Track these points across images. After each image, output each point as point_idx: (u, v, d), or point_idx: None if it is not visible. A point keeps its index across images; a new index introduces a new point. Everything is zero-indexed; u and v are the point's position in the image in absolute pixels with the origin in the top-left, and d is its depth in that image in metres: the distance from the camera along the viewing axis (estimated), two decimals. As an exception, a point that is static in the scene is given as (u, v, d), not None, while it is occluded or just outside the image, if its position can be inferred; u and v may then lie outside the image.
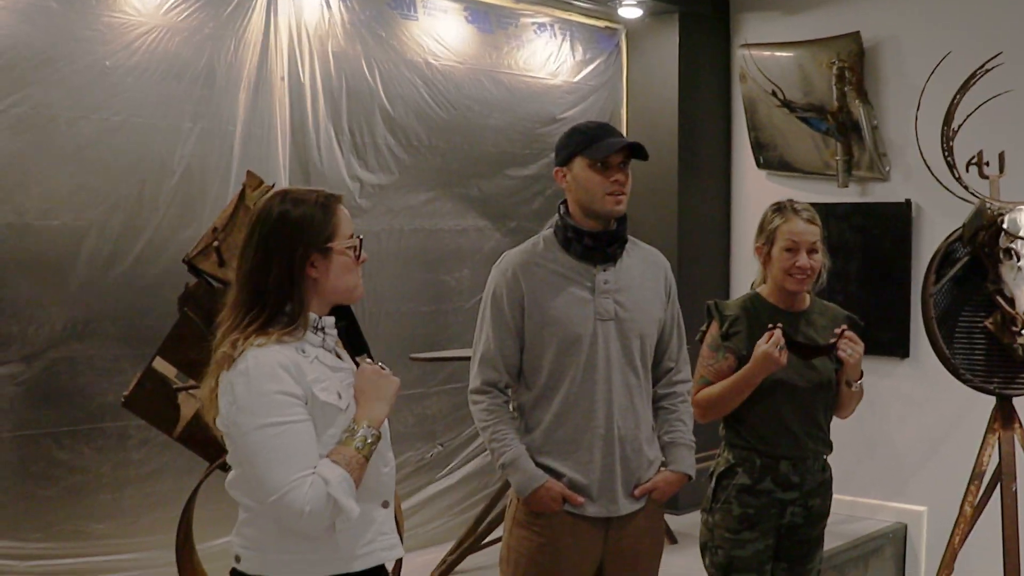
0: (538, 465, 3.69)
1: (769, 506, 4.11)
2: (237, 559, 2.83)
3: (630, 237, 3.83)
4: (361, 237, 2.91)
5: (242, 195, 4.73)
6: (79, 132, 5.22)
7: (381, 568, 2.92)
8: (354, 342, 3.00)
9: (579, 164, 3.66)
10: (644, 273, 3.83)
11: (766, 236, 4.16)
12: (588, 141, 3.66)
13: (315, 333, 2.81)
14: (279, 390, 2.65)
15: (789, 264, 4.08)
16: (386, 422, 2.86)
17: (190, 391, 4.63)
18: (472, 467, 6.96)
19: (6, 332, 5.05)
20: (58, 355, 5.20)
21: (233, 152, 5.74)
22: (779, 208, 4.19)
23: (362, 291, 2.94)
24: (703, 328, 4.29)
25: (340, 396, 2.77)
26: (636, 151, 3.68)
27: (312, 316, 2.81)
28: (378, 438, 2.77)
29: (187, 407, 4.59)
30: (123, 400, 4.71)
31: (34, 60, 5.07)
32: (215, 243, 4.65)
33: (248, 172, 4.78)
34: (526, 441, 3.73)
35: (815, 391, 4.14)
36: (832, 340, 4.02)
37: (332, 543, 2.75)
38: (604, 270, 3.72)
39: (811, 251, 4.09)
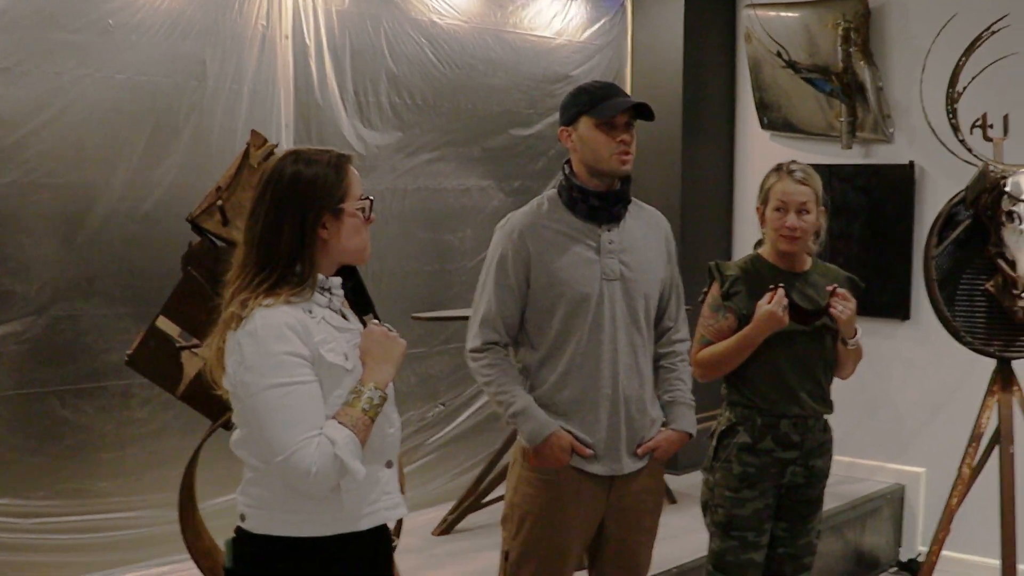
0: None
1: (769, 465, 4.15)
2: (242, 518, 2.85)
3: (632, 198, 3.85)
4: (371, 198, 2.91)
5: (246, 154, 4.72)
6: (83, 90, 5.21)
7: (383, 528, 2.94)
8: (359, 302, 3.02)
9: (585, 124, 3.67)
10: (646, 234, 3.85)
11: (762, 197, 4.21)
12: (594, 101, 3.67)
13: (322, 294, 2.83)
14: (286, 351, 2.67)
15: (779, 224, 4.13)
16: (391, 383, 2.87)
17: (193, 350, 4.64)
18: (473, 426, 6.98)
19: (10, 290, 5.06)
20: (62, 313, 5.21)
21: (237, 111, 5.73)
22: (776, 169, 4.22)
23: (370, 252, 2.95)
24: (705, 289, 4.31)
25: (347, 357, 2.78)
26: (642, 111, 3.68)
27: (320, 277, 2.82)
28: (384, 399, 2.78)
29: (190, 366, 4.60)
30: (126, 359, 4.72)
31: (36, 18, 5.05)
32: (219, 202, 4.64)
33: (252, 131, 4.77)
34: (533, 393, 3.76)
35: (815, 350, 4.17)
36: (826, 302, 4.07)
37: (337, 503, 2.77)
38: (609, 230, 3.74)
39: (801, 211, 4.11)
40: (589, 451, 3.70)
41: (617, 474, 3.76)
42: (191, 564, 4.76)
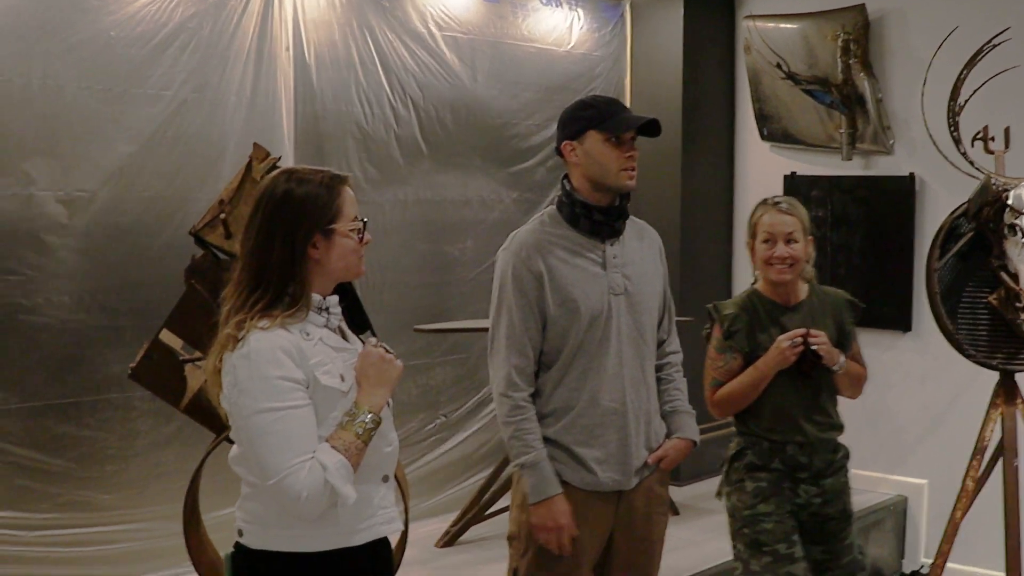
0: (550, 441, 3.70)
1: (781, 479, 4.22)
2: (240, 533, 2.87)
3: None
4: (365, 220, 2.91)
5: (248, 167, 4.73)
6: (84, 103, 5.21)
7: (383, 541, 2.96)
8: (356, 319, 3.02)
9: (593, 138, 3.65)
10: (642, 247, 3.86)
11: (751, 231, 4.31)
12: (603, 116, 3.65)
13: (319, 313, 2.84)
14: (280, 375, 2.69)
15: (768, 255, 4.21)
16: (390, 399, 2.89)
17: (196, 363, 4.64)
18: (476, 437, 6.97)
19: (12, 304, 5.05)
20: (64, 327, 5.21)
21: (239, 124, 5.73)
22: (761, 203, 4.34)
23: (363, 270, 2.96)
24: (707, 329, 4.40)
25: (343, 379, 2.80)
26: (649, 128, 3.68)
27: (316, 297, 2.83)
28: (378, 423, 2.79)
29: (193, 379, 4.60)
30: (130, 371, 4.72)
31: (39, 31, 5.06)
32: (221, 215, 4.65)
33: (255, 144, 4.78)
34: (541, 415, 3.73)
35: (813, 379, 4.23)
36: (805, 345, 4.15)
37: (332, 518, 2.78)
38: (612, 244, 3.73)
39: (789, 241, 4.19)
40: (575, 532, 3.67)
41: (625, 488, 3.75)
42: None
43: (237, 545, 2.89)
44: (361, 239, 2.89)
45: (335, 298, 2.90)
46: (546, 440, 3.70)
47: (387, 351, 2.90)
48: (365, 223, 2.91)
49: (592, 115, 3.67)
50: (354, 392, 2.81)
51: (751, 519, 4.21)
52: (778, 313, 4.23)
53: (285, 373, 2.69)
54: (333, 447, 2.70)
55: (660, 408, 3.91)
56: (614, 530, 3.80)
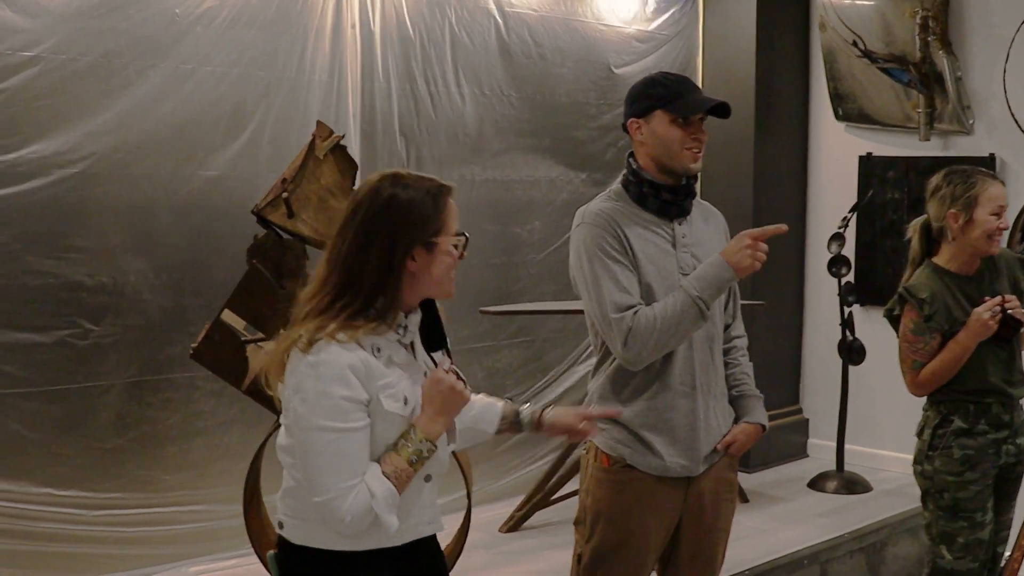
0: (620, 424, 3.60)
1: (987, 446, 4.34)
2: (280, 525, 2.80)
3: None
4: (467, 235, 2.79)
5: (311, 146, 4.69)
6: (149, 81, 5.19)
7: (425, 541, 2.85)
8: (433, 337, 2.88)
9: (659, 118, 3.55)
10: (708, 228, 3.76)
11: (963, 203, 4.31)
12: (671, 95, 3.55)
13: (396, 330, 2.71)
14: (344, 396, 2.58)
15: (994, 227, 4.28)
16: (456, 428, 2.82)
17: (258, 343, 4.60)
18: (542, 421, 6.88)
19: (76, 282, 5.05)
20: (127, 305, 5.20)
21: (304, 101, 5.69)
22: (964, 174, 4.39)
23: (453, 291, 2.81)
24: (894, 312, 4.44)
25: (406, 401, 2.68)
26: (719, 110, 3.56)
27: (400, 315, 2.71)
28: (432, 452, 2.68)
29: (255, 360, 4.56)
30: (192, 352, 4.70)
31: (103, 8, 5.05)
32: (284, 194, 4.61)
33: (318, 122, 4.74)
34: (618, 399, 3.62)
35: (1004, 342, 4.35)
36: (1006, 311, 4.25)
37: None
38: (680, 224, 3.64)
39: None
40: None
41: (693, 474, 3.65)
42: (255, 558, 4.74)
43: (279, 539, 2.82)
44: (460, 255, 2.77)
45: (417, 316, 2.78)
46: (616, 423, 3.61)
47: (459, 376, 2.77)
48: (467, 239, 2.79)
49: (660, 94, 3.57)
50: (416, 412, 2.70)
51: (955, 485, 4.33)
52: (963, 284, 4.34)
53: (349, 394, 2.59)
54: (383, 473, 2.61)
55: (728, 392, 3.81)
56: (682, 517, 3.70)
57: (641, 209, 3.61)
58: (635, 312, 3.45)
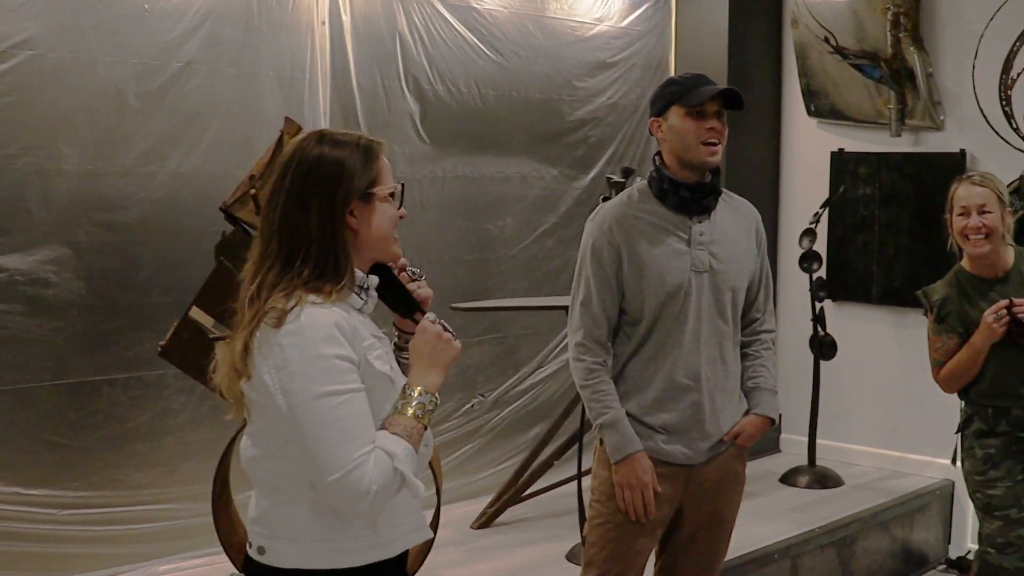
0: (630, 414, 3.76)
1: (1009, 444, 4.46)
2: (261, 551, 2.58)
3: (723, 189, 3.88)
4: (402, 183, 2.69)
5: (280, 142, 4.65)
6: (118, 76, 5.16)
7: (404, 553, 2.70)
8: (401, 301, 2.80)
9: (675, 113, 3.71)
10: (736, 225, 3.88)
11: (948, 207, 4.47)
12: (684, 90, 3.70)
13: (358, 294, 2.58)
14: (337, 354, 2.42)
15: (962, 226, 4.37)
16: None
17: (227, 341, 4.57)
18: (513, 418, 6.89)
19: (44, 279, 5.02)
20: (96, 302, 5.17)
21: (273, 99, 5.66)
22: (956, 179, 4.55)
23: (399, 252, 2.69)
24: (924, 314, 4.60)
25: (391, 367, 2.57)
26: (731, 98, 3.71)
27: (358, 274, 2.58)
28: (436, 405, 2.55)
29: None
30: (159, 349, 4.66)
31: (73, 5, 5.01)
32: (252, 191, 4.58)
33: (286, 118, 4.70)
34: (622, 391, 3.80)
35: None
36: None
37: (370, 527, 2.55)
38: (699, 222, 3.77)
39: (982, 212, 4.34)
40: (657, 489, 3.73)
41: (694, 463, 3.78)
42: (225, 557, 4.71)
43: (253, 564, 2.60)
44: (398, 209, 2.65)
45: (375, 278, 2.63)
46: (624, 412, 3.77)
47: (445, 329, 2.65)
48: (404, 187, 2.68)
49: (674, 91, 3.73)
50: (400, 383, 2.56)
51: (983, 484, 4.48)
52: (986, 287, 4.40)
53: (342, 352, 2.42)
54: (394, 433, 2.45)
55: (743, 384, 3.93)
56: (683, 503, 3.83)
57: (662, 206, 3.76)
58: (584, 361, 3.78)
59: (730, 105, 3.74)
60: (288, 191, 2.54)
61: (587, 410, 3.84)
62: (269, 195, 2.60)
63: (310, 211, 2.51)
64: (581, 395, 3.84)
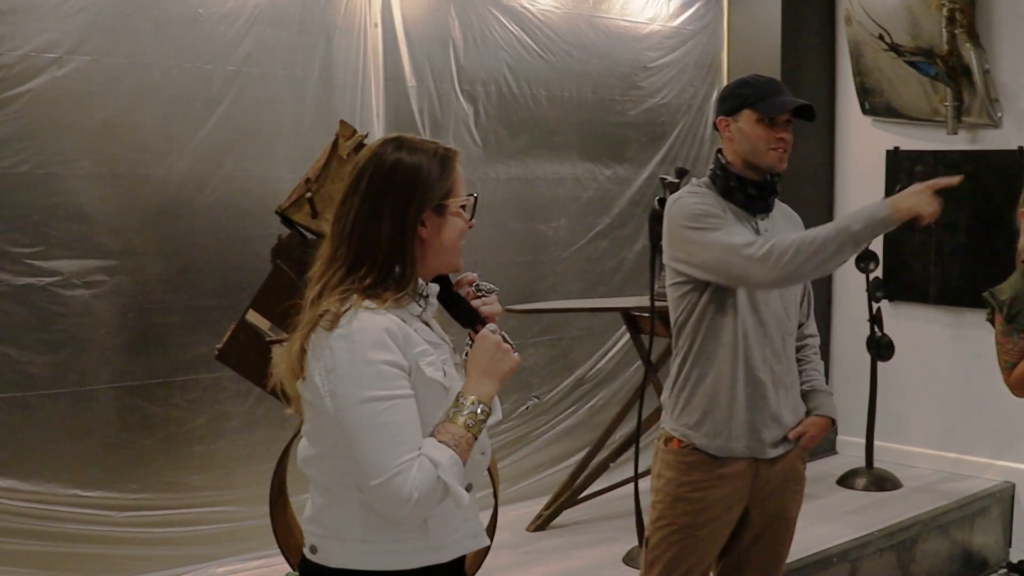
0: (692, 411, 3.73)
1: None
2: (313, 549, 2.59)
3: None
4: (476, 195, 2.68)
5: (335, 145, 4.67)
6: (172, 81, 5.19)
7: (462, 558, 2.67)
8: (461, 313, 2.78)
9: (746, 117, 3.70)
10: (786, 226, 3.88)
11: (1022, 199, 4.30)
12: (759, 96, 3.71)
13: (418, 302, 2.57)
14: (385, 360, 2.40)
15: None
16: (497, 402, 2.58)
17: (284, 344, 4.59)
18: (569, 420, 6.88)
19: (101, 283, 5.05)
20: (154, 306, 5.21)
21: (328, 101, 5.68)
22: None
23: (461, 264, 2.67)
24: (988, 315, 4.42)
25: (445, 373, 2.53)
26: (805, 112, 3.73)
27: (419, 282, 2.57)
28: (488, 415, 2.51)
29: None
30: (217, 353, 4.69)
31: (127, 9, 5.04)
32: (308, 194, 4.60)
33: (341, 122, 4.72)
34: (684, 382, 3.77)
35: None
36: None
37: (422, 530, 2.52)
38: (762, 219, 3.78)
39: None
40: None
41: (759, 456, 3.75)
42: (282, 559, 4.73)
43: (307, 564, 2.61)
44: (469, 221, 2.63)
45: (436, 287, 2.62)
46: (684, 409, 3.76)
47: (505, 340, 2.61)
48: (476, 199, 2.67)
49: (749, 94, 3.73)
50: (455, 390, 2.53)
51: None
52: None
53: (391, 358, 2.41)
54: (441, 441, 2.42)
55: (799, 387, 3.92)
56: (749, 504, 3.80)
57: (727, 202, 3.74)
58: (763, 240, 3.52)
59: (800, 115, 3.75)
60: (363, 196, 2.53)
61: (825, 243, 3.43)
62: (343, 196, 2.58)
63: (382, 219, 2.51)
64: (803, 256, 3.42)
